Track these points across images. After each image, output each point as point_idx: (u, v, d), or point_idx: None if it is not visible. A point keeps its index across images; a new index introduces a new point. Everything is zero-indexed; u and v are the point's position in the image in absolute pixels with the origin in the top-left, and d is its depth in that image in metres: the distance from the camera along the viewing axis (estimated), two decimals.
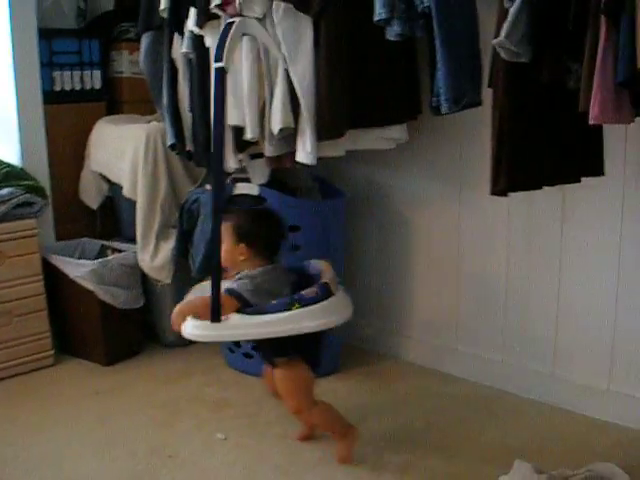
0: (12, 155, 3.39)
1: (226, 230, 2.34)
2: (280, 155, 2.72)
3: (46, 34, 3.48)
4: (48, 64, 3.52)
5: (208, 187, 3.07)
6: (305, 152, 2.62)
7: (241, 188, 2.91)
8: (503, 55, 2.01)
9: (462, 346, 3.01)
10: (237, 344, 3.07)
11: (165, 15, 2.93)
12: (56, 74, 3.55)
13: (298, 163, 2.68)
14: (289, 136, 2.67)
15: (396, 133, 2.78)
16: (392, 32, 2.43)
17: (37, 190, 3.25)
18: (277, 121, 2.60)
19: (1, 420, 2.77)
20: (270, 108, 2.64)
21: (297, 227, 2.85)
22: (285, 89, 2.61)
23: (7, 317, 3.12)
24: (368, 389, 2.93)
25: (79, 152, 3.57)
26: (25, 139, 3.42)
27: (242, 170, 2.93)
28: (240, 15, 2.60)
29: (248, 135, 2.71)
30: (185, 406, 2.84)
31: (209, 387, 2.99)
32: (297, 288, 2.35)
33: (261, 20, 2.62)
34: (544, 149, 2.16)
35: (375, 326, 3.29)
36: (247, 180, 2.93)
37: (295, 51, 2.58)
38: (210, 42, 2.79)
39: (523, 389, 2.82)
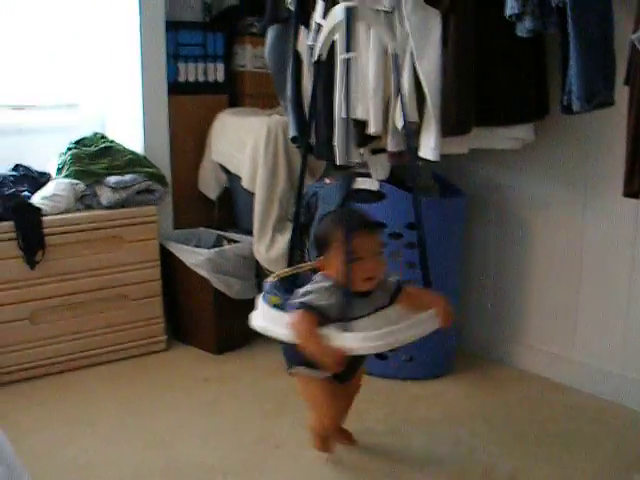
0: (135, 143, 3.46)
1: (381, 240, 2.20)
2: (402, 151, 2.69)
3: (173, 26, 3.55)
4: (174, 55, 3.58)
5: (327, 181, 3.07)
6: (429, 148, 2.58)
7: (361, 183, 2.89)
8: None
9: (578, 356, 2.91)
10: None
11: (292, 7, 2.94)
12: (181, 65, 3.60)
13: (421, 159, 2.65)
14: (413, 132, 2.64)
15: (522, 133, 2.72)
16: (523, 28, 2.38)
17: (158, 178, 3.30)
18: (401, 115, 2.57)
19: (112, 401, 2.82)
20: (395, 102, 2.61)
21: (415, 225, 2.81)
22: (412, 83, 2.58)
23: (123, 300, 3.19)
24: (479, 394, 2.87)
25: (200, 143, 3.61)
26: (149, 128, 3.48)
27: (363, 165, 2.92)
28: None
29: (371, 129, 2.69)
30: (292, 398, 2.80)
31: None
32: None
33: (389, 13, 2.60)
34: None
35: (489, 331, 3.22)
36: (367, 175, 2.90)
37: (423, 45, 2.55)
38: (337, 34, 2.79)
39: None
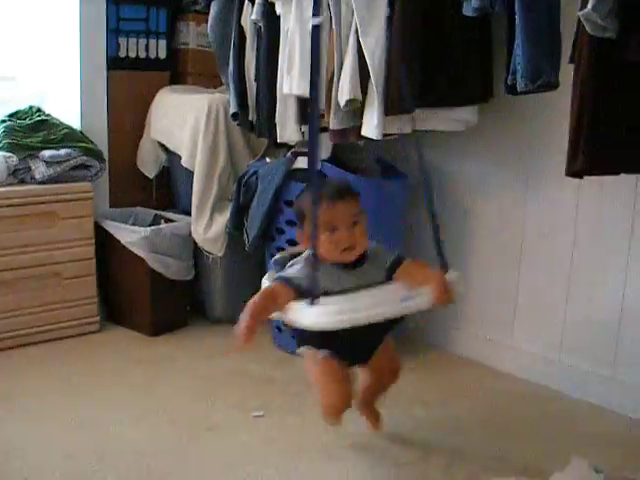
0: (72, 117, 3.36)
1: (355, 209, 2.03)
2: (345, 129, 2.64)
3: (114, 0, 3.45)
4: (115, 30, 3.48)
5: (267, 160, 3.02)
6: (371, 126, 2.54)
7: (302, 162, 2.84)
8: (588, 28, 1.93)
9: (517, 342, 2.90)
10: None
11: None
12: (122, 40, 3.51)
13: (363, 138, 2.61)
14: (355, 110, 2.60)
15: (466, 114, 2.68)
16: (469, 7, 2.34)
17: (94, 153, 3.22)
18: (345, 92, 2.52)
19: (44, 381, 2.74)
20: (338, 79, 2.57)
21: None
22: (355, 60, 2.53)
23: (56, 279, 3.10)
24: (416, 379, 2.82)
25: (139, 121, 3.53)
26: (86, 103, 3.39)
27: (304, 144, 2.87)
28: None
29: None
30: (228, 381, 2.78)
31: (254, 364, 2.91)
32: None
33: None
34: (625, 132, 2.05)
35: (428, 316, 3.18)
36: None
37: (368, 21, 2.50)
38: (281, 10, 2.74)
39: (580, 391, 2.69)
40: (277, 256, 2.22)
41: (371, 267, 2.04)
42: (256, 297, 1.95)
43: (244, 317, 1.89)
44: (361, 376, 2.26)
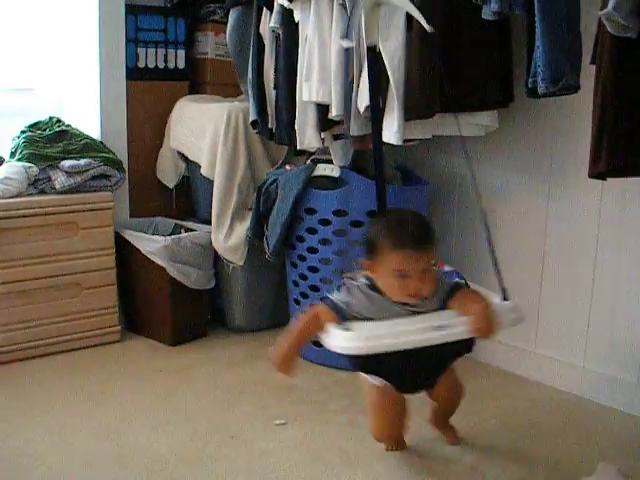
0: (92, 128, 3.37)
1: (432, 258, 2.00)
2: (364, 135, 2.63)
3: (133, 10, 3.46)
4: (133, 40, 3.49)
5: (287, 167, 3.01)
6: (392, 132, 2.52)
7: (322, 169, 2.83)
8: (609, 28, 1.91)
9: (541, 349, 2.87)
10: None
11: None
12: (140, 50, 3.51)
13: (383, 144, 2.59)
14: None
15: (487, 120, 2.67)
16: (489, 10, 2.33)
17: (114, 163, 3.22)
18: (364, 98, 2.51)
19: (64, 390, 2.73)
20: (358, 85, 2.56)
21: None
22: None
23: (76, 289, 3.10)
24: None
25: (159, 130, 3.54)
26: (106, 113, 3.40)
27: (324, 151, 2.86)
28: None
29: (333, 112, 2.64)
30: (249, 389, 2.76)
31: (275, 372, 2.88)
32: None
33: None
34: None
35: None
36: (329, 161, 2.85)
37: (387, 27, 2.49)
38: (299, 17, 2.74)
39: (606, 398, 2.66)
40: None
41: (428, 300, 2.01)
42: (300, 320, 2.01)
43: (282, 344, 1.97)
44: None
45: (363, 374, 2.18)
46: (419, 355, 1.95)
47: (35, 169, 3.04)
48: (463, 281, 2.19)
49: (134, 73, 3.49)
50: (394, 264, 1.93)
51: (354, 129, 2.60)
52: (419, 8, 2.43)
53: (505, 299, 2.11)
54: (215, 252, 3.23)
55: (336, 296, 2.02)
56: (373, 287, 2.02)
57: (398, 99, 2.49)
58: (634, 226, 2.55)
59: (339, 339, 1.92)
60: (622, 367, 2.63)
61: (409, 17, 2.48)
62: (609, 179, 2.16)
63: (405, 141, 2.57)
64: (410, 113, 2.50)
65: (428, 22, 2.40)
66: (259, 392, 2.74)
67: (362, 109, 2.54)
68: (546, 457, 2.29)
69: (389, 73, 2.49)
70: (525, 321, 2.81)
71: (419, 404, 2.29)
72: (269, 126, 2.98)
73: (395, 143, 2.53)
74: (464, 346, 2.09)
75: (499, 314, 1.95)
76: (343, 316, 1.97)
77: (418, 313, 1.98)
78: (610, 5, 1.85)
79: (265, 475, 2.18)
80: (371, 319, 1.98)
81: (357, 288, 2.02)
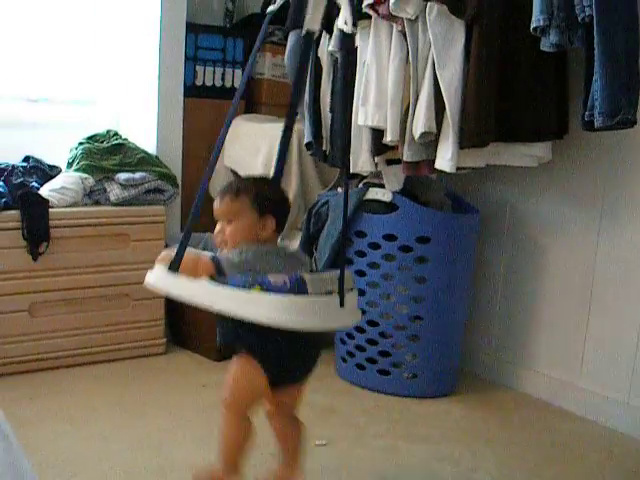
0: (148, 143, 3.42)
1: (247, 199, 2.03)
2: (418, 162, 2.64)
3: (193, 29, 3.53)
4: (192, 58, 3.55)
5: (339, 190, 3.03)
6: (445, 159, 2.53)
7: (374, 193, 2.85)
8: None
9: (585, 383, 2.85)
10: (351, 354, 3.00)
11: None
12: (199, 69, 3.57)
13: (436, 171, 2.61)
14: (429, 143, 2.60)
15: (540, 151, 2.66)
16: (548, 42, 2.35)
17: (168, 178, 3.27)
18: (420, 125, 2.53)
19: (108, 399, 2.77)
20: (414, 111, 2.57)
21: (427, 239, 2.77)
22: (431, 93, 2.53)
23: (125, 300, 3.14)
24: (482, 415, 2.80)
25: (213, 148, 3.56)
26: (162, 128, 3.45)
27: (377, 175, 2.88)
28: (394, 16, 2.57)
29: (388, 137, 2.66)
30: None
31: (317, 394, 2.90)
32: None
33: (413, 21, 2.57)
34: None
35: (496, 353, 3.15)
36: (381, 186, 2.86)
37: (445, 55, 2.51)
38: (358, 42, 2.76)
39: None
40: None
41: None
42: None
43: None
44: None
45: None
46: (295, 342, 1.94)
47: (91, 180, 3.10)
48: None
49: (192, 90, 3.55)
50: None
51: (408, 155, 2.61)
52: (480, 36, 2.46)
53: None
54: None
55: (225, 255, 1.99)
56: None
57: (453, 127, 2.50)
58: None
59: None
60: None
61: (467, 46, 2.50)
62: None
63: (458, 169, 2.58)
64: (465, 141, 2.51)
65: (486, 50, 2.43)
66: (300, 412, 2.74)
67: (417, 135, 2.55)
68: None
69: (445, 100, 2.50)
70: (571, 353, 2.84)
71: None
72: (323, 148, 3.00)
73: (448, 171, 2.53)
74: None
75: None
76: (220, 271, 1.92)
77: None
78: None
79: None
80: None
81: (252, 248, 1.97)
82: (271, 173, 3.11)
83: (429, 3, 2.51)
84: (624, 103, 2.21)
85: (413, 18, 2.56)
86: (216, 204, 2.10)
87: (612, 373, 2.76)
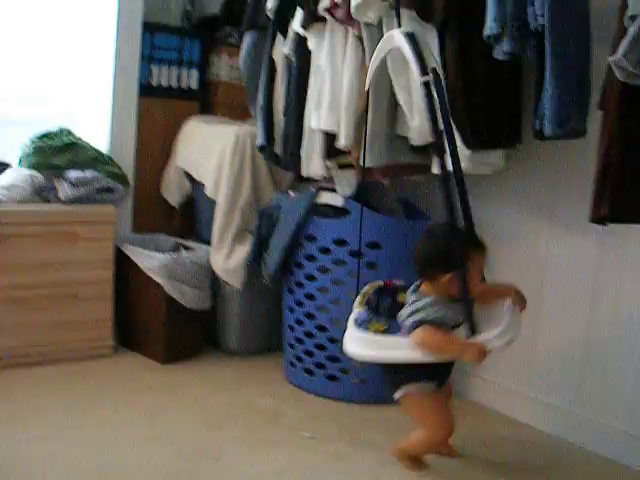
0: (101, 141, 3.39)
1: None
2: (371, 168, 2.64)
3: (150, 28, 3.51)
4: (148, 58, 3.53)
5: (291, 193, 3.02)
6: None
7: (325, 197, 2.84)
8: (618, 75, 1.92)
9: (533, 392, 2.85)
10: (299, 359, 2.98)
11: (271, 15, 2.89)
12: (154, 68, 3.55)
13: (389, 176, 2.61)
14: (386, 149, 2.60)
15: (495, 159, 2.65)
16: (500, 50, 2.34)
17: (120, 178, 3.24)
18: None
19: (52, 400, 2.72)
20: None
21: (378, 244, 2.77)
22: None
23: (72, 299, 3.09)
24: None
25: (167, 148, 3.56)
26: (116, 127, 3.43)
27: (329, 179, 2.87)
28: (351, 20, 2.56)
29: (341, 142, 2.65)
30: (237, 413, 2.75)
31: (264, 398, 2.89)
32: None
33: (375, 27, 2.56)
34: None
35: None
36: (333, 190, 2.85)
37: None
38: (313, 45, 2.76)
39: (596, 445, 2.64)
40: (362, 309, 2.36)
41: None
42: (431, 337, 2.12)
43: (457, 347, 2.12)
44: None
45: (414, 387, 2.26)
46: None
47: (40, 178, 3.06)
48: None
49: (147, 90, 3.52)
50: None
51: (368, 161, 2.59)
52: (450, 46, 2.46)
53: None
54: (213, 273, 3.23)
55: (421, 315, 2.14)
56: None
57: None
58: (634, 269, 2.54)
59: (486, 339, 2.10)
60: (612, 414, 2.61)
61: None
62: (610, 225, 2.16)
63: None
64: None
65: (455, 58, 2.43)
66: (247, 416, 2.73)
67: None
68: None
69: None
70: (518, 361, 2.84)
71: None
72: (276, 151, 2.99)
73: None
74: None
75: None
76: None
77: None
78: (620, 52, 1.86)
79: None
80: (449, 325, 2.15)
81: (427, 304, 2.17)
82: (223, 176, 3.14)
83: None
84: (574, 113, 2.21)
85: (375, 23, 2.55)
86: (479, 257, 2.23)
87: (560, 382, 2.76)
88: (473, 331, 2.10)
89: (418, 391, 2.26)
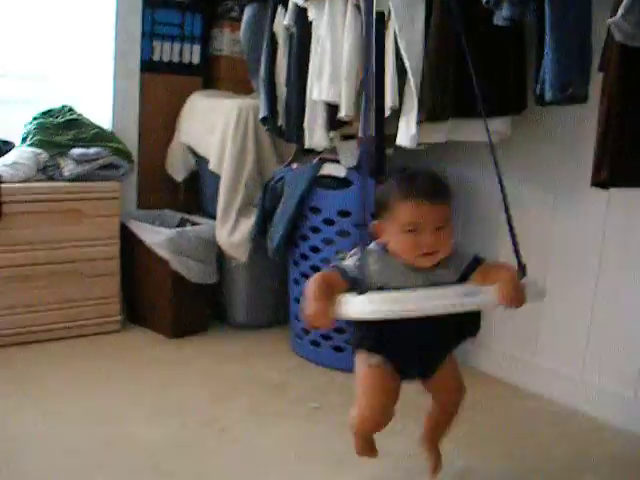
0: (104, 118, 3.39)
1: (450, 202, 1.83)
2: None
3: (151, 4, 3.49)
4: (149, 33, 3.51)
5: (294, 166, 3.01)
6: (408, 135, 2.51)
7: (328, 168, 2.83)
8: (617, 37, 1.90)
9: (539, 360, 2.85)
10: (306, 331, 2.99)
11: None
12: (156, 44, 3.54)
13: (393, 146, 2.59)
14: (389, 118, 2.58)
15: (500, 126, 2.60)
16: (500, 16, 2.31)
17: (124, 154, 3.24)
18: (388, 101, 2.51)
19: (61, 376, 2.75)
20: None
21: None
22: (394, 67, 2.51)
23: (79, 276, 3.10)
24: None
25: (170, 124, 3.55)
26: (118, 104, 3.43)
27: (332, 151, 2.86)
28: None
29: (342, 112, 2.63)
30: (244, 385, 2.76)
31: (271, 370, 2.90)
32: None
33: None
34: None
35: None
36: (336, 161, 2.85)
37: (407, 28, 2.48)
38: (313, 16, 2.74)
39: (602, 411, 2.63)
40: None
41: (445, 269, 1.83)
42: (312, 283, 1.75)
43: (310, 303, 1.72)
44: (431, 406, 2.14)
45: (363, 355, 1.91)
46: (426, 332, 1.81)
47: (45, 155, 3.06)
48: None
49: (149, 66, 3.51)
50: (403, 216, 1.75)
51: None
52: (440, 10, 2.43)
53: (524, 275, 1.92)
54: (219, 247, 3.23)
55: (346, 264, 1.80)
56: (386, 252, 1.82)
57: (416, 98, 2.48)
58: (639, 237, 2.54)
59: (357, 303, 1.71)
60: (621, 381, 2.60)
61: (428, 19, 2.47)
62: (614, 190, 2.15)
63: (417, 144, 2.55)
64: (424, 115, 2.48)
65: (446, 24, 2.40)
66: (253, 389, 2.74)
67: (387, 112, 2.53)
68: (535, 468, 2.27)
69: (409, 74, 2.47)
70: (526, 330, 2.84)
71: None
72: (279, 124, 2.98)
73: (410, 147, 2.52)
74: (471, 329, 1.95)
75: (524, 287, 1.80)
76: (354, 284, 1.75)
77: (437, 284, 1.80)
78: (619, 13, 1.84)
79: (250, 470, 2.17)
80: (383, 288, 1.77)
81: (369, 253, 1.81)
82: (227, 150, 3.13)
83: None
84: (575, 78, 2.19)
85: None
86: (421, 206, 1.76)
87: (566, 349, 2.76)
88: (524, 273, 1.87)
89: (359, 359, 1.93)
